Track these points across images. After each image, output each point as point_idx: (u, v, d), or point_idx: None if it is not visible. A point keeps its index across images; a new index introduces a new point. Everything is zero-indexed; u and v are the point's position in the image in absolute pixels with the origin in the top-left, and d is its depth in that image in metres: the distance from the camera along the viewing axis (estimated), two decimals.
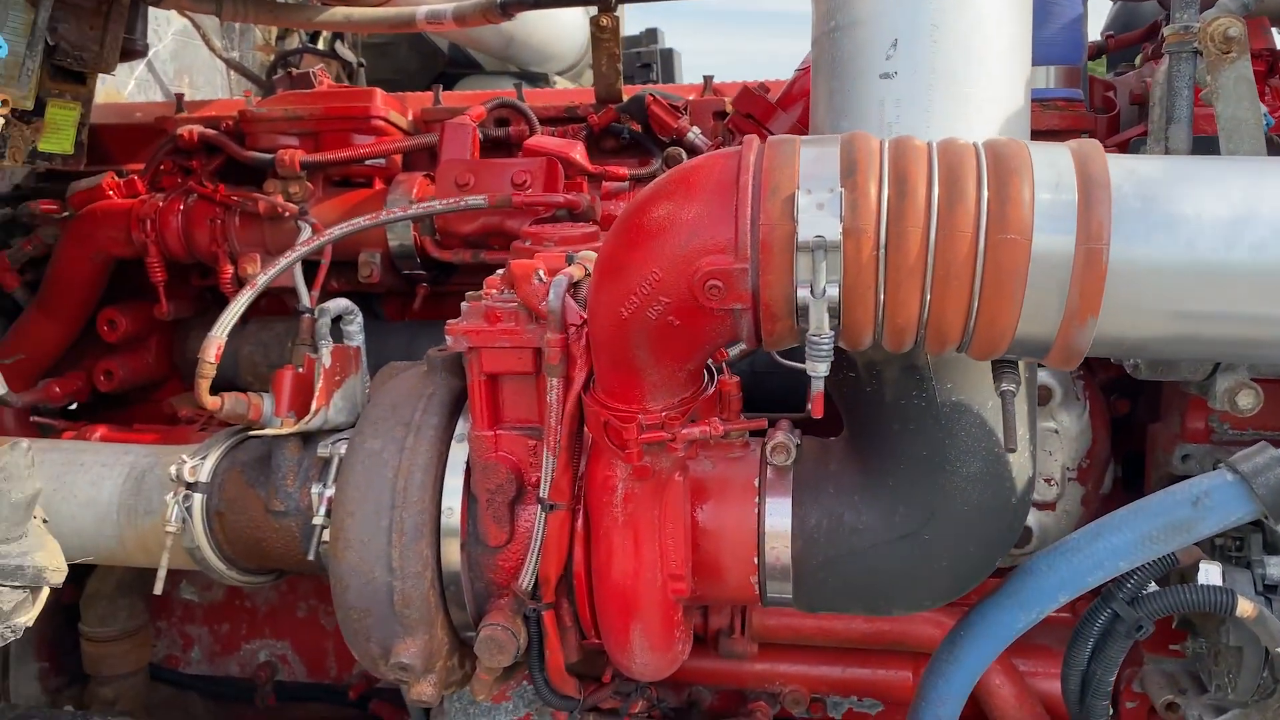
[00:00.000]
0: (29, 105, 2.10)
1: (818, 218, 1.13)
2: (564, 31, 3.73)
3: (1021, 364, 1.31)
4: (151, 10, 2.60)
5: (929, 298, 1.14)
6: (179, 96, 2.45)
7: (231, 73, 3.46)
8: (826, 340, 1.16)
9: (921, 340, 1.20)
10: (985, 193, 1.12)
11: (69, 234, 2.35)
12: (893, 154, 1.16)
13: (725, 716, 2.13)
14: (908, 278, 1.13)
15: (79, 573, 2.30)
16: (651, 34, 3.70)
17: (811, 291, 1.14)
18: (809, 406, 1.24)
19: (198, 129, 2.26)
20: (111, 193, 2.34)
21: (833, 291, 1.14)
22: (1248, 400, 1.56)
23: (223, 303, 2.43)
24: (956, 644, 1.63)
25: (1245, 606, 1.50)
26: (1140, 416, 2.02)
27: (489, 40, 3.59)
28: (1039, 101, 1.80)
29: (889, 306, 1.16)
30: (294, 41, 3.50)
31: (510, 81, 3.89)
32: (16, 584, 1.41)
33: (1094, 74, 2.10)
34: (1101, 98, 2.02)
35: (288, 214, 2.11)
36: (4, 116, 1.55)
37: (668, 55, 3.59)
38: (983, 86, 1.38)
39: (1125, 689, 1.97)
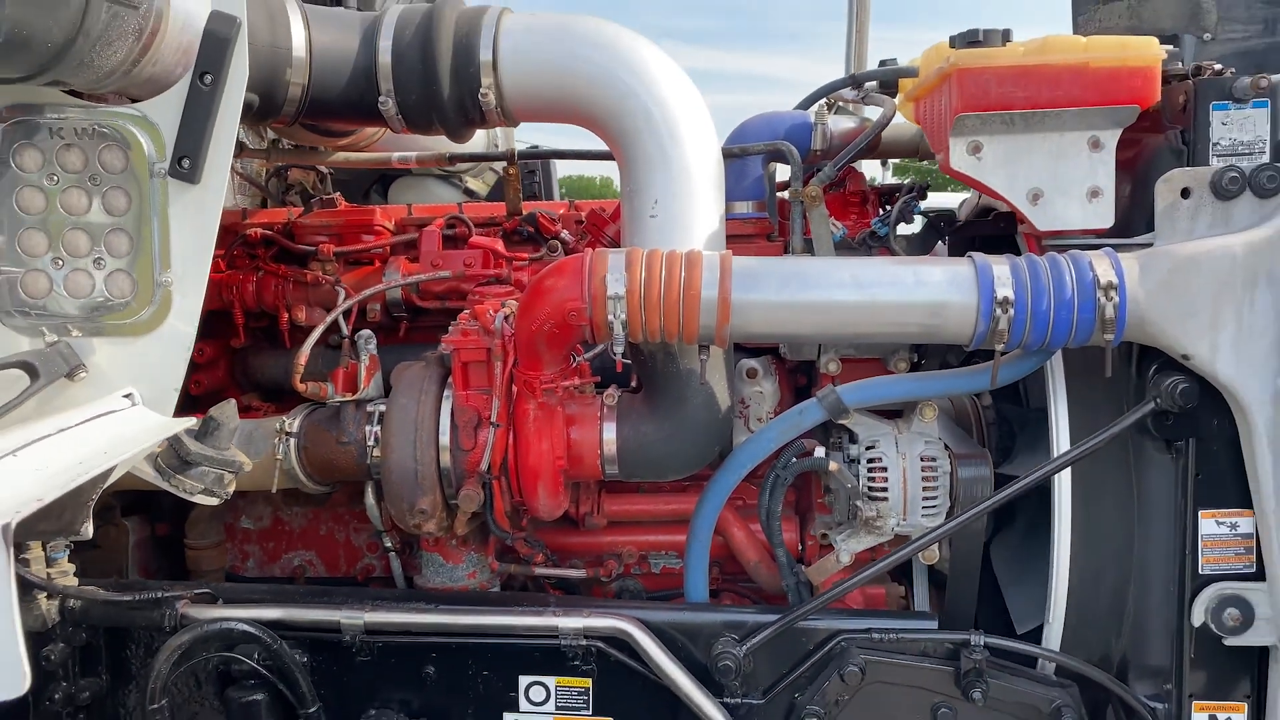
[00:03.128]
0: None
1: (615, 285, 2.68)
2: (472, 147, 5.28)
3: (710, 348, 2.89)
4: None
5: (663, 320, 2.71)
6: (244, 210, 3.90)
7: (236, 178, 4.88)
8: (621, 340, 2.71)
9: (663, 337, 2.77)
10: (684, 273, 2.70)
11: None
12: (648, 258, 2.72)
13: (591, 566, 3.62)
14: (652, 311, 2.68)
15: (182, 510, 3.68)
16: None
17: (613, 317, 2.70)
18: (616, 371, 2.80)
19: (260, 230, 3.71)
20: None
21: (623, 317, 2.69)
22: (834, 367, 3.20)
23: (275, 339, 3.88)
24: (704, 500, 3.17)
25: (831, 465, 3.10)
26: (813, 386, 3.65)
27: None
28: (741, 219, 3.44)
29: (647, 323, 2.71)
30: None
31: (432, 180, 5.42)
32: (230, 470, 2.84)
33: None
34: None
35: (326, 283, 3.58)
36: None
37: (547, 167, 5.22)
38: (697, 222, 2.96)
39: (808, 534, 3.54)
